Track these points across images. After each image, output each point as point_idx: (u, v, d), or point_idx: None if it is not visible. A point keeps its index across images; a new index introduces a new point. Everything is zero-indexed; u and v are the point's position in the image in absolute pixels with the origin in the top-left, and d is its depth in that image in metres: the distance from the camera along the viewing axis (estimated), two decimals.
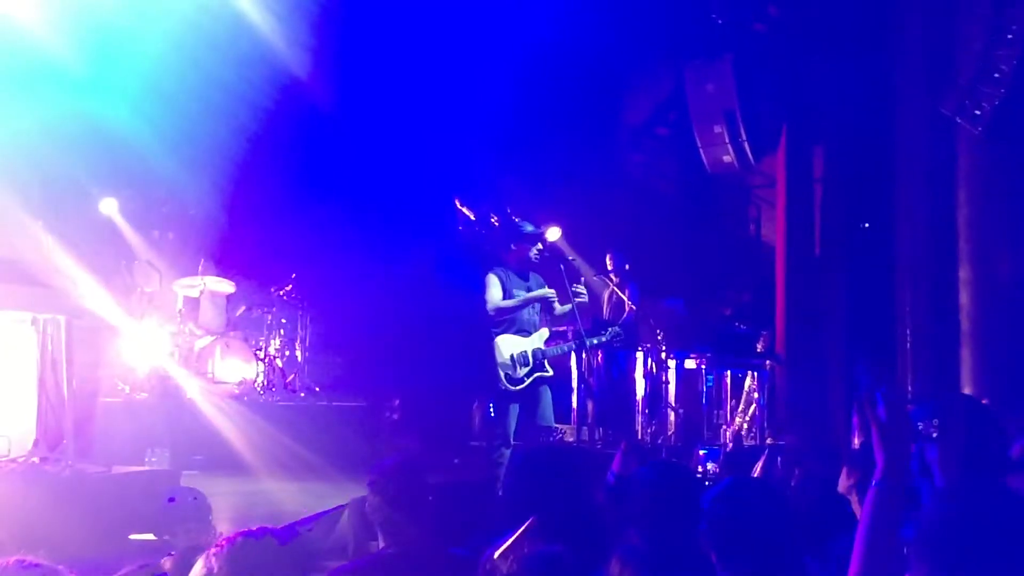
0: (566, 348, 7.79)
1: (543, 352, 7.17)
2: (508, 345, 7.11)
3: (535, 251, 7.26)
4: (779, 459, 5.42)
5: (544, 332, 7.31)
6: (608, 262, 9.57)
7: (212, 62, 9.26)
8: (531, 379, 7.10)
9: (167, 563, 3.40)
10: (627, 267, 9.56)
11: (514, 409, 7.07)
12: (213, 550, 2.20)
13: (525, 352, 7.12)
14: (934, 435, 2.75)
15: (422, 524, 3.43)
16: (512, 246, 7.29)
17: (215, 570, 2.16)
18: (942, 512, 1.98)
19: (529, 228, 7.33)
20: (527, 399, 7.15)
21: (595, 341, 7.71)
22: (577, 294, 7.31)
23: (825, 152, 10.25)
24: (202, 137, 9.84)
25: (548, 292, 7.28)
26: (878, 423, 2.37)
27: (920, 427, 2.75)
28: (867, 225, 9.65)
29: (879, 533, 2.21)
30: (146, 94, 9.26)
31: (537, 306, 7.33)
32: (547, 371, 7.19)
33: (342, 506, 3.40)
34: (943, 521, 1.95)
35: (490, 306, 7.12)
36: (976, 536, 1.88)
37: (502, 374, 7.03)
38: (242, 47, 9.35)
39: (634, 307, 9.19)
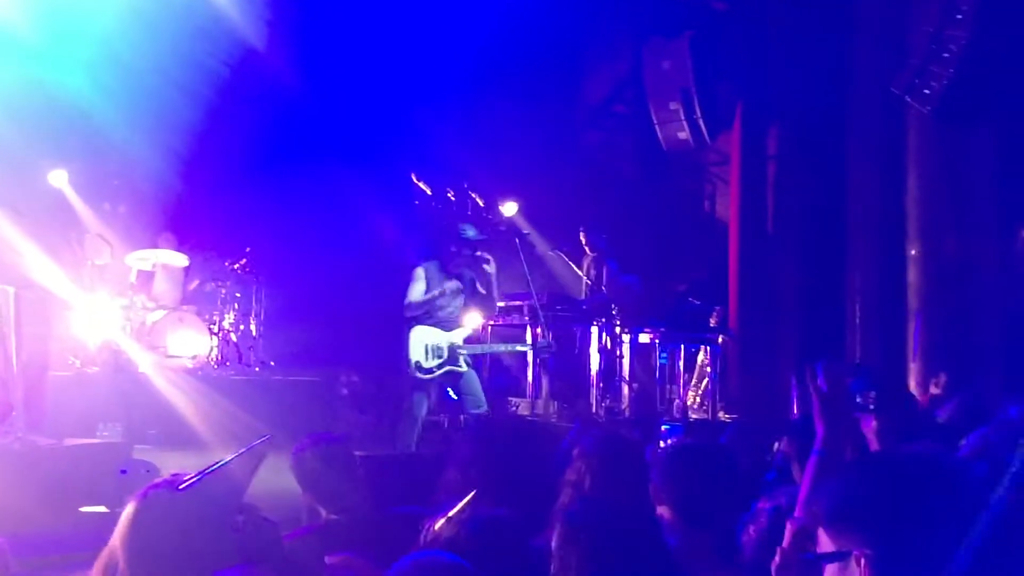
0: (510, 349, 8.15)
1: (457, 348, 7.37)
2: (423, 336, 7.33)
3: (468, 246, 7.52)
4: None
5: (464, 330, 7.50)
6: (583, 240, 9.58)
7: (167, 32, 9.13)
8: (441, 371, 7.35)
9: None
10: (604, 238, 9.58)
11: (420, 398, 7.33)
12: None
13: (440, 345, 7.31)
14: (871, 407, 2.84)
15: (357, 489, 3.51)
16: (452, 248, 7.52)
17: (118, 547, 2.11)
18: (873, 479, 1.96)
19: (470, 233, 7.52)
20: (435, 389, 7.47)
21: (517, 349, 8.33)
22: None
23: (779, 130, 10.35)
24: (155, 108, 9.71)
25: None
26: (819, 394, 2.46)
27: (858, 399, 2.84)
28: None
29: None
30: (98, 63, 9.11)
31: (459, 302, 7.48)
32: (460, 366, 7.42)
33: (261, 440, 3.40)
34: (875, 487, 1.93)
35: (406, 300, 7.38)
36: (907, 501, 1.87)
37: (412, 362, 7.25)
38: (198, 17, 9.22)
39: (604, 287, 9.30)
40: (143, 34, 9.00)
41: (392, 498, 3.84)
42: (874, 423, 2.98)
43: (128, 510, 2.13)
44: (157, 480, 2.24)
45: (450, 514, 2.70)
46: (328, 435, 3.92)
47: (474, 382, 7.54)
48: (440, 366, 7.34)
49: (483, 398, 7.54)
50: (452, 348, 7.38)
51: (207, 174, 10.71)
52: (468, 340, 7.56)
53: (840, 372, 2.53)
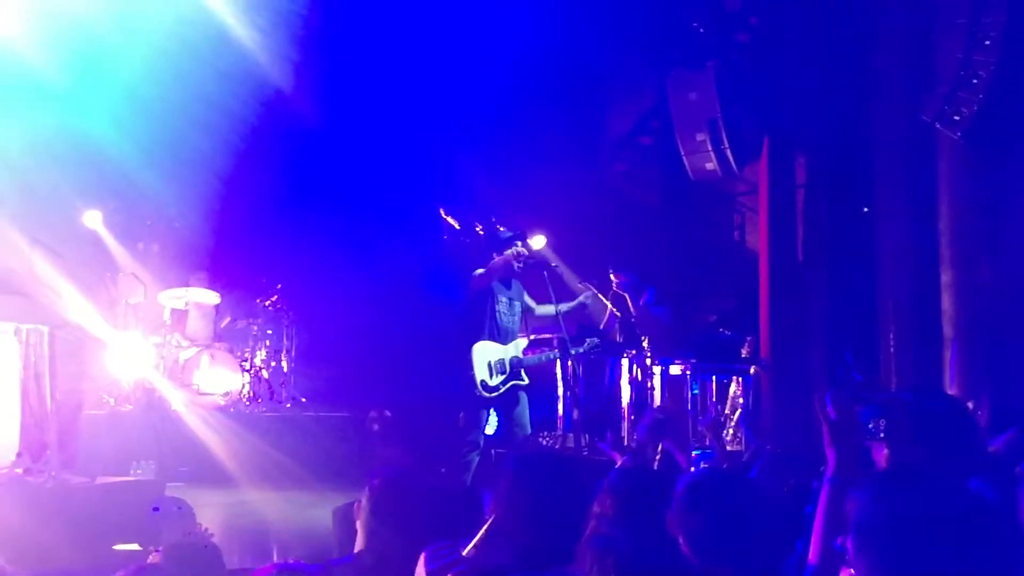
0: (548, 356, 7.83)
1: (520, 360, 7.21)
2: (486, 352, 7.14)
3: (516, 252, 7.31)
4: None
5: (522, 341, 7.36)
6: (613, 280, 9.57)
7: (196, 75, 9.27)
8: (507, 387, 7.15)
9: (154, 557, 3.43)
10: (632, 274, 9.56)
11: (488, 416, 7.14)
12: None
13: (503, 360, 7.16)
14: (881, 434, 2.83)
15: (405, 533, 3.43)
16: (495, 255, 7.35)
17: None
18: (894, 501, 1.96)
19: (507, 234, 7.40)
20: (503, 406, 7.19)
21: (578, 350, 7.79)
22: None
23: (807, 159, 10.31)
24: (186, 149, 9.84)
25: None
26: (828, 422, 2.51)
27: (870, 426, 2.83)
28: (866, 209, 9.35)
29: (832, 525, 2.33)
30: (130, 106, 9.25)
31: (518, 313, 7.39)
32: (523, 379, 7.24)
33: None
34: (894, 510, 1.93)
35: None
36: (924, 526, 1.86)
37: (478, 381, 7.05)
38: (225, 60, 9.36)
39: (653, 315, 9.26)
40: (170, 77, 9.16)
41: (425, 535, 3.78)
42: (885, 451, 2.95)
43: None
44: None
45: (465, 550, 2.68)
46: (403, 475, 3.71)
47: (524, 401, 7.28)
48: (505, 382, 7.11)
49: (527, 421, 7.27)
50: (513, 362, 7.19)
51: (238, 213, 10.82)
52: (526, 351, 7.34)
53: (849, 400, 2.55)
